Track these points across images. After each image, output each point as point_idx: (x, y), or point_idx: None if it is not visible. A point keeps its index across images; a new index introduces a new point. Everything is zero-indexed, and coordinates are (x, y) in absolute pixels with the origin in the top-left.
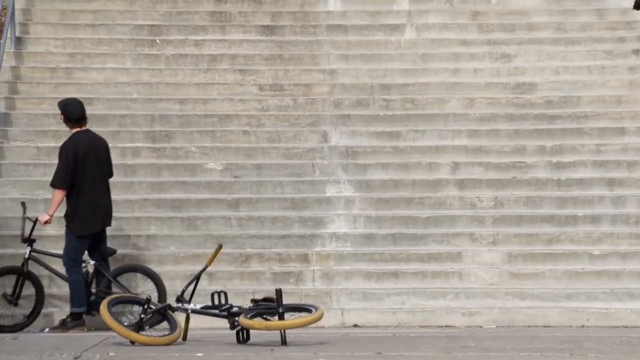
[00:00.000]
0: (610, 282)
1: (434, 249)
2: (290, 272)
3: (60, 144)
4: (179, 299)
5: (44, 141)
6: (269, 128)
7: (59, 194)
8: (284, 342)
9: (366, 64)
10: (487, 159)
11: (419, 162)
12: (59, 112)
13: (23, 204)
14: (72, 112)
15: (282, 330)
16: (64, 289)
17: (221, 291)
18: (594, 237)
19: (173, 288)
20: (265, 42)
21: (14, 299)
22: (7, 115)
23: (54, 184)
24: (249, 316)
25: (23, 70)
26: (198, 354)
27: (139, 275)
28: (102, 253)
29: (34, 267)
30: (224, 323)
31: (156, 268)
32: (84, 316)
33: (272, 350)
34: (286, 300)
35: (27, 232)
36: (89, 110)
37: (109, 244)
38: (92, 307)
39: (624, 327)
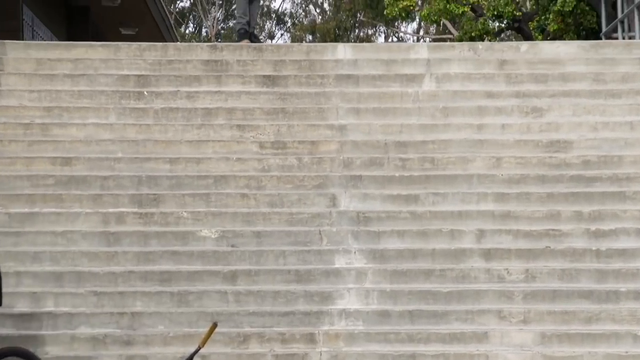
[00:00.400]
0: None
1: (456, 328)
2: (294, 354)
3: (35, 210)
4: None
5: (16, 206)
6: (271, 191)
7: None
8: None
9: (380, 119)
10: (517, 226)
11: (439, 230)
12: (33, 173)
13: None
14: None
15: None
16: None
17: None
18: (639, 315)
19: None
20: (266, 94)
21: None
22: None
23: None
24: None
25: None
26: None
27: None
28: None
29: None
30: None
31: (142, 350)
32: None
33: None
34: None
35: None
36: (67, 172)
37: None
38: None
39: None
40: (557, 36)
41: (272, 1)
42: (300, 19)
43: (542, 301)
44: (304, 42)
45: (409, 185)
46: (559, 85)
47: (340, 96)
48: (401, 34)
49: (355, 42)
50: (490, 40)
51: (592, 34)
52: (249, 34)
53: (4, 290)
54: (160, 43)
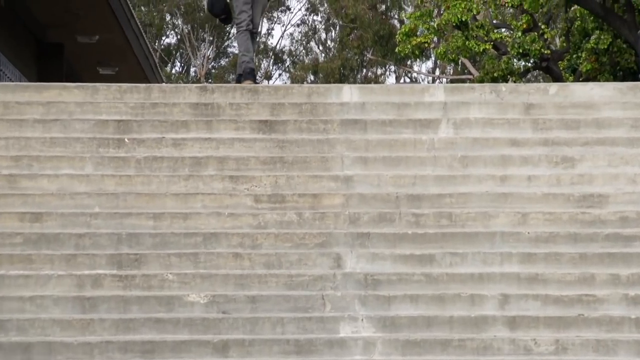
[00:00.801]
0: None
1: None
2: None
3: (0, 272)
4: None
5: None
6: (267, 250)
7: None
8: None
9: (390, 169)
10: (546, 290)
11: (457, 294)
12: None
13: None
14: None
15: None
16: None
17: None
18: None
19: None
20: (262, 141)
21: None
22: None
23: None
24: None
25: None
26: None
27: None
28: None
29: None
30: None
31: None
32: None
33: None
34: None
35: None
36: (37, 229)
37: None
38: None
39: None
40: (591, 77)
41: (269, 37)
42: (301, 58)
43: None
44: (305, 82)
45: (424, 244)
46: (592, 132)
47: (345, 144)
48: (414, 74)
49: (362, 83)
50: (515, 82)
51: (629, 74)
52: (253, 73)
53: None
54: (144, 84)
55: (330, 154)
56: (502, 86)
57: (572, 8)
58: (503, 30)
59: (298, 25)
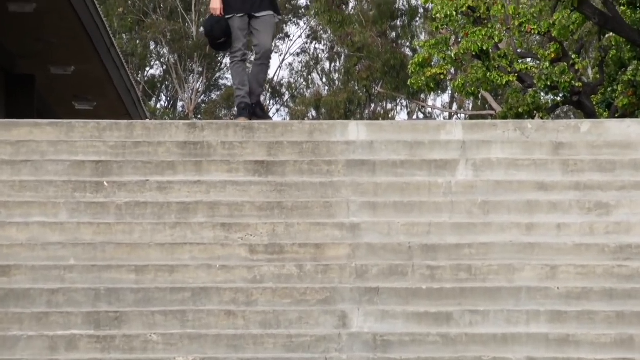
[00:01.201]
0: None
1: None
2: None
3: None
4: None
5: None
6: (264, 307)
7: None
8: None
9: (402, 216)
10: (578, 353)
11: (478, 357)
12: None
13: None
14: None
15: None
16: None
17: None
18: None
19: None
20: (258, 184)
21: None
22: None
23: None
24: None
25: None
26: None
27: None
28: None
29: None
30: None
31: None
32: None
33: None
34: None
35: None
36: (4, 284)
37: None
38: None
39: None
40: (628, 113)
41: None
42: (301, 91)
43: None
44: (306, 119)
45: (440, 301)
46: (630, 174)
47: (352, 187)
48: (429, 110)
49: (370, 119)
50: (542, 118)
51: None
52: (251, 109)
53: None
54: (125, 121)
55: (335, 198)
56: (528, 123)
57: (607, 36)
58: (529, 60)
59: (298, 55)
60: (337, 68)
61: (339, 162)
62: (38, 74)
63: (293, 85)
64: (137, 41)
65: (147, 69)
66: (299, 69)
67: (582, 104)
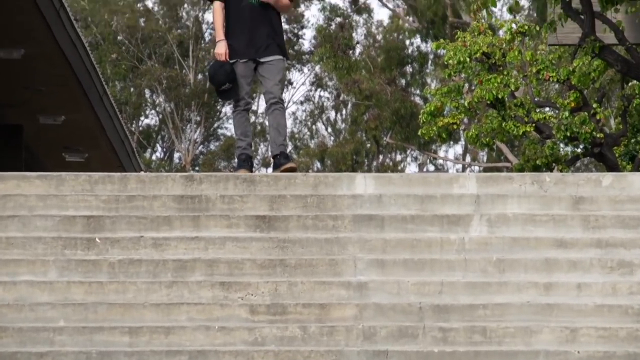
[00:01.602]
0: None
1: None
2: None
3: None
4: None
5: None
6: None
7: None
8: None
9: (412, 275)
10: None
11: None
12: None
13: None
14: None
15: None
16: None
17: None
18: None
19: None
20: (259, 240)
21: None
22: None
23: None
24: None
25: None
26: None
27: None
28: None
29: None
30: None
31: None
32: None
33: None
34: None
35: None
36: None
37: None
38: None
39: None
40: None
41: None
42: (305, 141)
43: None
44: (310, 171)
45: None
46: None
47: (359, 244)
48: (440, 162)
49: (379, 171)
50: (561, 171)
51: None
52: (250, 162)
53: None
54: (118, 173)
55: (341, 256)
56: (546, 176)
57: (630, 84)
58: (547, 109)
59: (302, 103)
60: (343, 117)
61: (345, 217)
62: (26, 124)
63: (297, 136)
64: (132, 89)
65: (142, 118)
66: (303, 118)
67: (603, 156)
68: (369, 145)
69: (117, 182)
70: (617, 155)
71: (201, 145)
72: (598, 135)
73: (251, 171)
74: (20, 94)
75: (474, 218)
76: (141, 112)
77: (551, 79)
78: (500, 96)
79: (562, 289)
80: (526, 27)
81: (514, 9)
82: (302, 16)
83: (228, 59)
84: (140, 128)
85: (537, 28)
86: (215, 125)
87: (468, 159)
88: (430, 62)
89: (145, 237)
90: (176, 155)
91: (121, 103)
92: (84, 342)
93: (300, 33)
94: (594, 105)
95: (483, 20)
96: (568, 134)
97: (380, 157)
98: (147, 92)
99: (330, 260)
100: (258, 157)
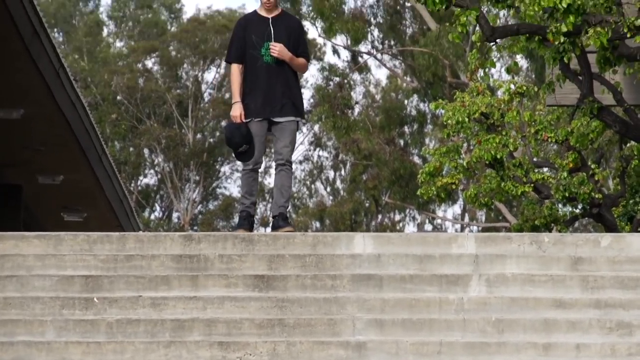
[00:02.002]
0: None
1: None
2: None
3: None
4: None
5: None
6: None
7: None
8: None
9: (411, 335)
10: None
11: None
12: None
13: None
14: None
15: None
16: None
17: None
18: None
19: None
20: (258, 300)
21: None
22: None
23: None
24: None
25: None
26: None
27: None
28: None
29: None
30: None
31: None
32: None
33: None
34: None
35: None
36: None
37: None
38: None
39: None
40: None
41: (266, 177)
42: (304, 201)
43: None
44: (309, 230)
45: None
46: None
47: (357, 304)
48: (439, 221)
49: (377, 231)
50: (560, 231)
51: None
52: (252, 220)
53: None
54: (117, 233)
55: (340, 315)
56: (545, 236)
57: (628, 145)
58: (545, 170)
59: (300, 162)
60: (342, 176)
61: (344, 276)
62: (25, 184)
63: (295, 195)
64: (131, 148)
65: (141, 177)
66: (302, 177)
67: (602, 216)
68: (367, 204)
69: (115, 241)
70: (615, 216)
71: (200, 205)
72: (596, 196)
73: (251, 230)
74: (20, 153)
75: (472, 278)
76: (140, 171)
77: (550, 140)
78: (498, 156)
79: (561, 349)
80: (525, 88)
81: (512, 70)
82: (301, 76)
83: (243, 120)
84: (139, 188)
85: (536, 89)
86: (214, 184)
87: (467, 219)
88: (429, 121)
89: (143, 297)
90: (175, 214)
91: (120, 163)
92: None
93: None
94: (593, 166)
95: (480, 81)
96: (566, 195)
97: (379, 216)
98: (146, 152)
99: (329, 319)
100: (257, 217)
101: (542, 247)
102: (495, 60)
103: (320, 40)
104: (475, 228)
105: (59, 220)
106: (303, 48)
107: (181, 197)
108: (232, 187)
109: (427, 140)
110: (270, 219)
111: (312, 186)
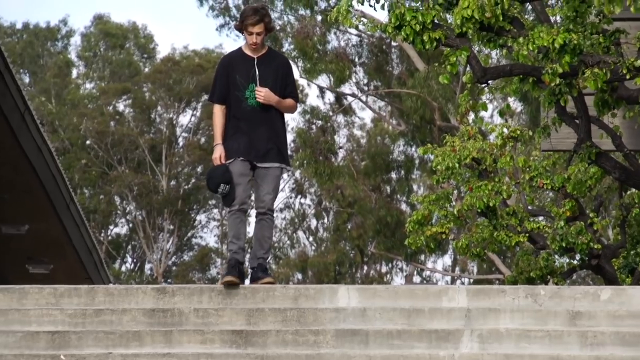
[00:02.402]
0: None
1: None
2: None
3: None
4: None
5: None
6: None
7: None
8: None
9: None
10: None
11: None
12: None
13: None
14: None
15: None
16: None
17: None
18: None
19: None
20: (236, 357)
21: None
22: None
23: None
24: None
25: None
26: None
27: None
28: None
29: None
30: None
31: None
32: None
33: None
34: None
35: None
36: None
37: None
38: None
39: None
40: None
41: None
42: (285, 251)
43: None
44: (290, 282)
45: None
46: None
47: None
48: (428, 273)
49: (363, 283)
50: (556, 284)
51: None
52: (240, 268)
53: None
54: (85, 285)
55: None
56: (541, 289)
57: (629, 192)
58: (541, 218)
59: (281, 210)
60: (325, 225)
61: (327, 331)
62: None
63: (276, 245)
64: (101, 196)
65: (111, 227)
66: (283, 226)
67: (601, 268)
68: (352, 255)
69: (84, 295)
70: (616, 267)
71: (174, 256)
72: (595, 247)
73: (241, 279)
74: None
75: (464, 333)
76: (110, 220)
77: (545, 187)
78: (491, 204)
79: None
80: (518, 132)
81: (505, 113)
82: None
83: (224, 162)
84: (110, 237)
85: (530, 133)
86: (190, 234)
87: (457, 270)
88: (416, 167)
89: (113, 354)
90: (147, 266)
91: (89, 211)
92: None
93: None
94: (591, 215)
95: (472, 124)
96: (563, 245)
97: (365, 268)
98: (117, 200)
99: None
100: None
101: (538, 300)
102: (487, 102)
103: (302, 82)
104: (466, 280)
105: (24, 273)
106: (291, 88)
107: (154, 247)
108: (209, 236)
109: (415, 187)
110: (249, 270)
111: (294, 235)
